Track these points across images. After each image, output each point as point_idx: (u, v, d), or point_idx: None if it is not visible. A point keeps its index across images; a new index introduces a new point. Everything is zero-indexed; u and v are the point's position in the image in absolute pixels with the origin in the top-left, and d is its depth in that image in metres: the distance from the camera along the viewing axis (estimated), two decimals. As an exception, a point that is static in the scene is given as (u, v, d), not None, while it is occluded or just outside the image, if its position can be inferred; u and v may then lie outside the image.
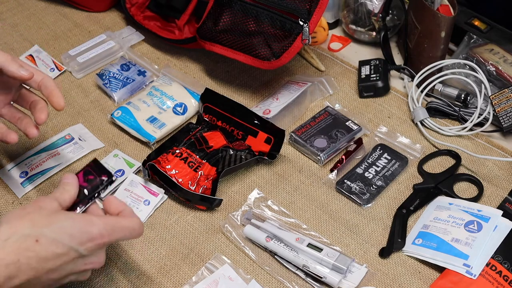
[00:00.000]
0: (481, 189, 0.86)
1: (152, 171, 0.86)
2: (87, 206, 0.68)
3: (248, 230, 0.80)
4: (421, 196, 0.86)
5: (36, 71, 0.77)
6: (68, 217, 0.61)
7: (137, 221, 0.65)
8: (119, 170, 0.89)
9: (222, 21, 0.96)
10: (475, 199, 0.85)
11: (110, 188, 0.73)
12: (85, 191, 0.68)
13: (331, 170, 0.90)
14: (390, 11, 1.10)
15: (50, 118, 0.98)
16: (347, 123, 0.95)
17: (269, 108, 0.97)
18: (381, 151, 0.92)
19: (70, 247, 0.59)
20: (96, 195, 0.69)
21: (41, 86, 0.77)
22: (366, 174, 0.88)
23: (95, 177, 0.70)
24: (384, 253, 0.79)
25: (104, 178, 0.70)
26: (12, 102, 0.81)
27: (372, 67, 1.04)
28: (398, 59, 1.10)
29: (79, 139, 0.94)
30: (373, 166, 0.90)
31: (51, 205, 0.62)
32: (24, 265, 0.56)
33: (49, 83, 0.77)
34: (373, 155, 0.91)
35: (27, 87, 0.81)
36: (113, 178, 0.71)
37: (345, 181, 0.88)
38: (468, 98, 0.97)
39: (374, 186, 0.87)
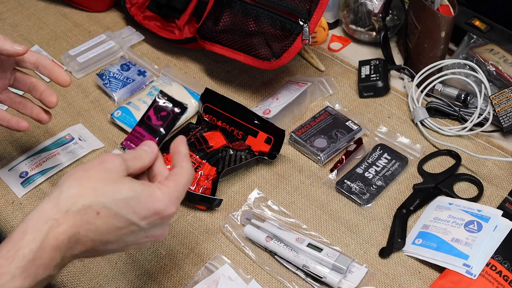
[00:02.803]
0: (481, 189, 0.86)
1: (152, 171, 0.85)
2: (160, 145, 0.61)
3: (248, 230, 0.80)
4: (421, 196, 0.86)
5: (29, 50, 0.75)
6: (132, 189, 0.55)
7: (189, 171, 0.60)
8: (119, 170, 0.89)
9: (222, 21, 0.96)
10: (475, 199, 0.85)
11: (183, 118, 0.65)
12: (161, 130, 0.65)
13: (331, 170, 0.90)
14: (390, 11, 1.10)
15: (50, 118, 0.98)
16: (347, 123, 0.95)
17: (269, 108, 0.97)
18: (381, 151, 0.92)
19: (132, 222, 0.55)
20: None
21: (38, 66, 0.75)
22: (366, 174, 0.88)
23: (168, 113, 0.67)
24: (384, 253, 0.79)
25: (178, 111, 0.66)
26: (8, 88, 0.79)
27: (372, 67, 1.04)
28: (398, 59, 1.10)
29: (79, 139, 0.94)
30: (373, 166, 0.90)
31: (118, 169, 0.57)
32: (83, 237, 0.54)
33: (46, 62, 0.75)
34: (373, 155, 0.91)
35: (21, 70, 0.78)
36: (187, 107, 0.66)
37: (345, 181, 0.88)
38: (468, 98, 0.97)
39: (374, 186, 0.87)
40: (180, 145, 0.61)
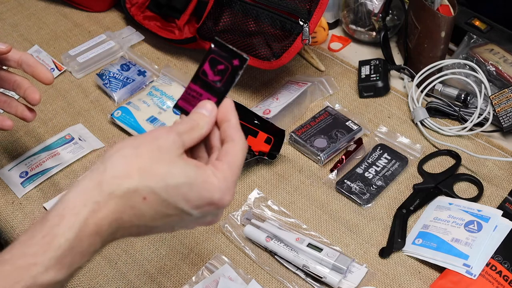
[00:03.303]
0: (481, 189, 0.86)
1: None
2: (220, 103, 0.54)
3: (248, 230, 0.80)
4: (421, 196, 0.86)
5: (13, 48, 0.74)
6: (186, 174, 0.49)
7: (242, 145, 0.53)
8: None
9: (222, 21, 0.96)
10: (475, 199, 0.85)
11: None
12: (220, 87, 0.54)
13: (331, 170, 0.90)
14: (390, 11, 1.10)
15: (50, 118, 0.98)
16: (347, 123, 0.95)
17: (269, 108, 0.97)
18: (381, 151, 0.92)
19: (183, 210, 0.49)
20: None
21: (21, 64, 0.75)
22: (366, 174, 0.88)
23: (226, 66, 0.55)
24: (384, 253, 0.79)
25: (237, 64, 0.54)
26: None
27: (372, 67, 1.04)
28: (398, 59, 1.10)
29: (79, 139, 0.94)
30: (373, 166, 0.90)
31: (172, 147, 0.50)
32: (126, 222, 0.48)
33: (30, 60, 0.74)
34: (373, 155, 0.91)
35: (5, 68, 0.78)
36: (247, 58, 0.54)
37: (345, 181, 0.88)
38: (468, 98, 0.97)
39: (374, 186, 0.87)
40: (229, 112, 0.53)
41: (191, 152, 0.54)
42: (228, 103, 0.54)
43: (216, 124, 0.54)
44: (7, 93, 0.80)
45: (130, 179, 0.48)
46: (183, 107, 0.56)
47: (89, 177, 0.48)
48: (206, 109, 0.53)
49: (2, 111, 0.79)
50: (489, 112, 0.93)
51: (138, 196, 0.48)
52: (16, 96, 0.83)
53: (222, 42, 0.55)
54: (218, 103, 0.54)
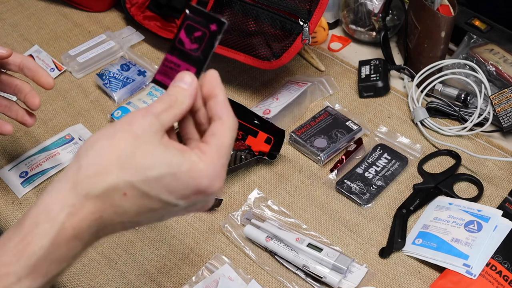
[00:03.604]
0: (481, 189, 0.86)
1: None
2: (201, 74, 0.50)
3: (248, 230, 0.80)
4: (421, 196, 0.86)
5: (14, 52, 0.74)
6: (167, 163, 0.45)
7: (231, 123, 0.49)
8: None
9: (222, 21, 0.96)
10: (475, 199, 0.85)
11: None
12: (199, 55, 0.50)
13: (331, 170, 0.90)
14: (390, 11, 1.10)
15: (50, 118, 0.98)
16: (347, 123, 0.95)
17: (269, 108, 0.97)
18: (381, 151, 0.92)
19: (167, 202, 0.46)
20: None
21: (22, 68, 0.74)
22: (366, 174, 0.88)
23: (203, 32, 0.50)
24: (384, 253, 0.79)
25: (215, 29, 0.50)
26: None
27: (372, 67, 1.04)
28: (398, 59, 1.10)
29: (79, 139, 0.94)
30: (373, 166, 0.90)
31: (149, 132, 0.46)
32: (108, 221, 0.45)
33: (30, 64, 0.74)
34: (373, 155, 0.91)
35: (7, 72, 0.77)
36: (225, 21, 0.50)
37: (345, 181, 0.88)
38: (468, 98, 0.97)
39: (374, 186, 0.87)
40: (214, 86, 0.49)
41: (181, 132, 0.51)
42: (213, 76, 0.50)
43: (203, 100, 0.50)
44: (8, 97, 0.80)
45: (106, 176, 0.44)
46: (161, 80, 0.52)
47: (64, 179, 0.45)
48: (184, 81, 0.49)
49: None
50: (489, 112, 0.93)
51: (117, 193, 0.44)
52: (16, 99, 0.82)
53: (197, 7, 0.51)
54: (198, 73, 0.50)
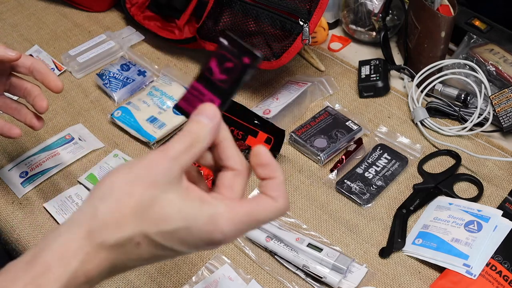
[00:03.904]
0: (481, 189, 0.86)
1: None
2: (225, 108, 0.48)
3: (248, 230, 0.80)
4: (421, 196, 0.86)
5: (24, 55, 0.74)
6: (183, 216, 0.43)
7: (281, 207, 0.46)
8: (119, 170, 0.89)
9: (222, 21, 0.96)
10: (475, 199, 0.85)
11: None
12: (226, 87, 0.48)
13: (331, 170, 0.90)
14: (390, 11, 1.10)
15: (50, 118, 0.98)
16: (347, 123, 0.95)
17: (269, 108, 0.97)
18: (381, 151, 0.92)
19: (180, 251, 0.45)
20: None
21: (32, 71, 0.74)
22: (366, 174, 0.88)
23: (235, 64, 0.47)
24: (384, 253, 0.79)
25: (247, 62, 0.47)
26: (4, 93, 0.78)
27: (372, 67, 1.04)
28: (398, 59, 1.10)
29: (79, 139, 0.94)
30: (373, 166, 0.90)
31: (168, 179, 0.44)
32: (119, 266, 0.45)
33: (40, 67, 0.74)
34: (373, 155, 0.91)
35: (17, 75, 0.77)
36: (259, 56, 0.47)
37: (345, 181, 0.88)
38: (468, 98, 0.97)
39: (374, 186, 0.87)
40: (275, 170, 0.47)
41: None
42: (268, 156, 0.47)
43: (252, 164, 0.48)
44: (18, 100, 0.79)
45: (122, 227, 0.43)
46: (184, 108, 0.49)
47: (78, 223, 0.44)
48: (207, 115, 0.46)
49: (1, 112, 0.79)
50: (489, 112, 0.93)
51: (131, 243, 0.43)
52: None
53: (232, 36, 0.48)
54: (222, 105, 0.48)
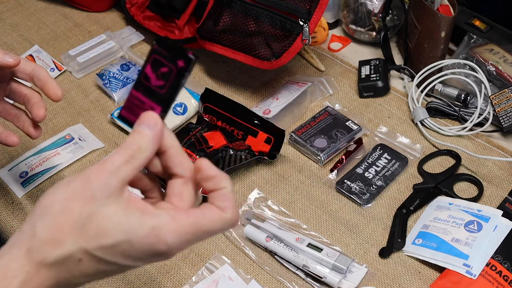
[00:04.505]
0: (481, 189, 0.86)
1: (152, 171, 0.85)
2: (167, 114, 0.47)
3: (248, 230, 0.80)
4: (421, 196, 0.86)
5: (25, 60, 0.72)
6: (124, 229, 0.43)
7: (229, 217, 0.45)
8: (119, 170, 0.89)
9: (222, 21, 0.96)
10: (475, 199, 0.85)
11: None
12: (164, 93, 0.47)
13: (331, 170, 0.90)
14: (390, 11, 1.10)
15: (50, 118, 0.98)
16: (347, 123, 0.95)
17: (269, 108, 0.97)
18: (381, 151, 0.92)
19: (125, 265, 0.44)
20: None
21: (33, 77, 0.72)
22: (366, 174, 0.88)
23: (170, 69, 0.47)
24: (384, 253, 0.79)
25: (182, 65, 0.46)
26: (4, 97, 0.76)
27: (372, 67, 1.04)
28: (398, 59, 1.10)
29: (79, 139, 0.94)
30: (373, 166, 0.90)
31: (106, 193, 0.43)
32: (64, 284, 0.44)
33: (41, 73, 0.72)
34: (373, 155, 0.91)
35: (18, 80, 0.76)
36: (192, 58, 0.46)
37: (345, 181, 0.88)
38: (468, 98, 0.97)
39: (374, 186, 0.87)
40: (221, 180, 0.46)
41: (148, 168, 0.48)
42: (211, 168, 0.46)
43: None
44: (19, 106, 0.77)
45: (61, 244, 0.42)
46: (127, 117, 0.49)
47: (18, 243, 0.43)
48: (147, 124, 0.45)
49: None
50: (489, 112, 0.93)
51: (72, 259, 0.43)
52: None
53: (165, 41, 0.49)
54: (163, 112, 0.47)
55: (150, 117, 0.46)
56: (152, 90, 0.47)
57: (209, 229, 0.44)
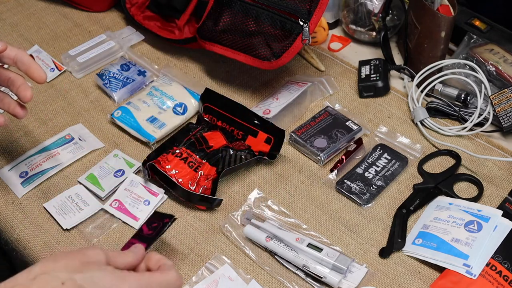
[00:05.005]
0: (481, 189, 0.86)
1: (152, 171, 0.86)
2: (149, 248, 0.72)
3: (248, 230, 0.80)
4: (421, 196, 0.86)
5: (9, 45, 0.74)
6: (101, 268, 0.56)
7: (173, 276, 0.61)
8: (119, 170, 0.89)
9: (222, 21, 0.96)
10: (475, 199, 0.85)
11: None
12: (151, 237, 0.73)
13: (331, 170, 0.90)
14: (390, 11, 1.10)
15: (50, 118, 0.98)
16: (347, 123, 0.95)
17: (269, 108, 0.97)
18: (381, 151, 0.92)
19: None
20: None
21: (16, 61, 0.75)
22: (366, 174, 0.88)
23: (158, 223, 0.74)
24: (384, 253, 0.79)
25: (167, 221, 0.74)
26: None
27: (372, 67, 1.04)
28: (398, 59, 1.10)
29: (79, 139, 0.94)
30: (373, 166, 0.90)
31: (96, 256, 0.57)
32: None
33: (24, 58, 0.75)
34: (373, 155, 0.91)
35: (1, 64, 0.78)
36: (175, 217, 0.74)
37: (345, 181, 0.88)
38: (468, 98, 0.97)
39: (374, 186, 0.87)
40: (165, 263, 0.62)
41: None
42: (151, 255, 0.63)
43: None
44: (2, 90, 0.80)
45: (53, 269, 0.54)
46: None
47: None
48: (134, 248, 0.62)
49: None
50: (489, 112, 0.93)
51: (58, 281, 0.53)
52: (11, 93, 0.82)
53: (158, 212, 0.78)
54: (147, 247, 0.70)
55: (138, 247, 0.63)
56: (143, 237, 0.73)
57: (159, 281, 0.60)
